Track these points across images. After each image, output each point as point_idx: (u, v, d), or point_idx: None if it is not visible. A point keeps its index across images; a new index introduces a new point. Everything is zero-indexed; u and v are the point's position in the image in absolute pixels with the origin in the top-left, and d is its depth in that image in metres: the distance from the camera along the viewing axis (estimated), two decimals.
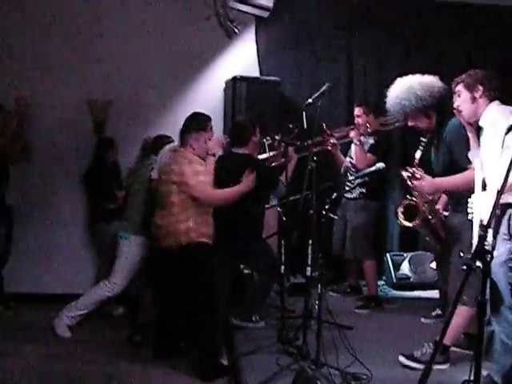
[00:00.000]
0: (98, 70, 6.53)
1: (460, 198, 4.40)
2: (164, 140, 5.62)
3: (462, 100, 4.07)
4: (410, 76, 4.53)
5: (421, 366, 4.34)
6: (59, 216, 6.56)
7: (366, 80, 7.31)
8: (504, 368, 3.80)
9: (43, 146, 6.21)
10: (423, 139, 4.46)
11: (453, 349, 4.62)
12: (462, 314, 4.33)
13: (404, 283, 6.94)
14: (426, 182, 4.36)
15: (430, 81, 4.50)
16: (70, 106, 6.49)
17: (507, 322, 3.75)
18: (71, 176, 6.52)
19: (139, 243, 5.23)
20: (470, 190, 4.00)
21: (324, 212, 4.15)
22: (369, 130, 4.73)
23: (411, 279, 6.91)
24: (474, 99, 4.00)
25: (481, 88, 3.98)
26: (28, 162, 5.54)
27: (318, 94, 4.58)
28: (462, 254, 3.83)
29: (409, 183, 4.39)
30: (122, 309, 5.97)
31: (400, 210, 4.45)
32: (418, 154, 4.39)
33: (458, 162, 4.32)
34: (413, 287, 6.87)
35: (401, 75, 4.56)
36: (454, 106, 4.11)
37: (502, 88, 3.96)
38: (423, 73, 4.48)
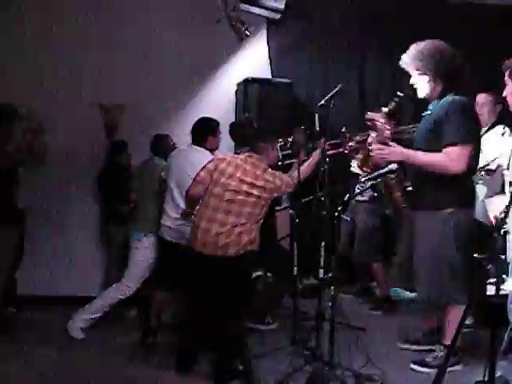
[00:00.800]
0: (111, 75, 6.56)
1: (427, 196, 4.36)
2: (164, 140, 5.64)
3: (508, 89, 3.88)
4: (438, 40, 4.41)
5: (433, 371, 4.29)
6: (72, 218, 6.61)
7: (379, 82, 7.29)
8: None
9: (56, 149, 6.21)
10: (399, 93, 4.38)
11: (412, 347, 4.71)
12: (457, 313, 4.23)
13: None
14: (393, 149, 4.33)
15: (452, 50, 4.37)
16: (83, 110, 6.52)
17: None
18: (84, 179, 6.57)
19: (151, 244, 5.25)
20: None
21: (336, 214, 4.14)
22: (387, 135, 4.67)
23: None
24: None
25: None
26: (43, 165, 5.57)
27: (330, 95, 4.56)
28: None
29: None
30: (134, 311, 5.98)
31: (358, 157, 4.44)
32: (388, 107, 4.39)
33: (440, 138, 4.22)
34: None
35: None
36: (503, 94, 3.93)
37: None
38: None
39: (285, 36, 7.07)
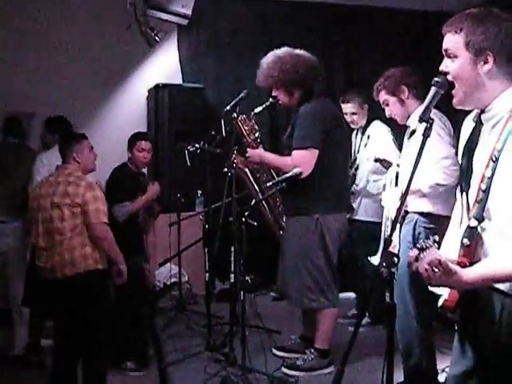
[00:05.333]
0: (21, 82, 6.39)
1: (293, 202, 4.44)
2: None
3: (391, 106, 3.97)
4: (285, 48, 4.51)
5: (303, 374, 4.45)
6: None
7: None
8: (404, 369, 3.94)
9: None
10: (272, 100, 4.49)
11: (286, 355, 4.73)
12: (326, 316, 4.47)
13: None
14: (255, 151, 4.52)
15: (303, 56, 4.45)
16: None
17: (409, 329, 3.83)
18: None
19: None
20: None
21: (244, 219, 4.17)
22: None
23: None
24: (402, 102, 3.91)
25: (405, 88, 3.88)
26: None
27: (235, 101, 4.57)
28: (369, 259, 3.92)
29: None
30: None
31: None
32: (255, 110, 4.52)
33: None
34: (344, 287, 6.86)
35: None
36: (387, 115, 4.03)
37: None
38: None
39: (194, 41, 7.05)
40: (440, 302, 2.41)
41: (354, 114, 5.53)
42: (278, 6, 7.25)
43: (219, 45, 7.10)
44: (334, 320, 4.57)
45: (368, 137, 5.49)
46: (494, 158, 2.22)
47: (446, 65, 2.33)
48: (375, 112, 5.17)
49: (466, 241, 2.27)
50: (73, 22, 6.60)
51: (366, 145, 5.49)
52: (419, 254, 2.15)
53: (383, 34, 7.34)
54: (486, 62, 2.25)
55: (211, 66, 7.11)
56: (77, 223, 3.85)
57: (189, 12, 6.13)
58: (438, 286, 2.29)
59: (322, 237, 4.37)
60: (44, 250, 3.90)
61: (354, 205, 5.46)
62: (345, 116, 5.46)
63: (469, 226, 2.28)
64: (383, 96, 3.98)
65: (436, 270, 2.11)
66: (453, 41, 2.29)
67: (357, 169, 5.51)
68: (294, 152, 4.27)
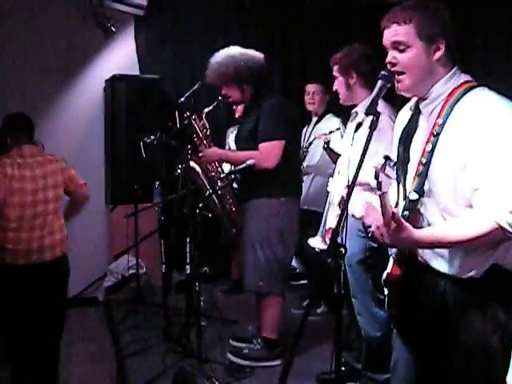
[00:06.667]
0: None
1: (255, 187, 4.48)
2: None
3: (338, 83, 3.98)
4: (236, 47, 4.55)
5: (249, 363, 4.49)
6: None
7: None
8: (365, 354, 3.99)
9: None
10: (221, 98, 4.58)
11: (244, 345, 4.71)
12: (272, 305, 4.51)
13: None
14: (212, 150, 4.61)
15: (252, 53, 4.53)
16: None
17: (369, 312, 3.90)
18: None
19: None
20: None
21: (198, 210, 4.19)
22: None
23: (297, 270, 6.98)
24: (349, 86, 3.93)
25: (354, 75, 3.89)
26: None
27: (189, 92, 4.61)
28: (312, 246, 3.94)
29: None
30: None
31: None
32: (206, 110, 4.66)
33: (256, 134, 4.39)
34: (298, 277, 6.92)
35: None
36: (333, 88, 4.03)
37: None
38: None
39: (151, 32, 6.97)
40: (384, 276, 2.47)
41: (316, 94, 5.70)
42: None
43: (176, 36, 7.04)
44: (280, 309, 4.58)
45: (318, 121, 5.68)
46: (434, 133, 2.27)
47: (394, 56, 2.35)
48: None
49: (406, 213, 2.32)
50: (26, 12, 6.49)
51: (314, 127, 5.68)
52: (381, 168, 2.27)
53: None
54: (437, 50, 2.31)
55: (168, 57, 7.05)
56: (57, 206, 3.91)
57: (144, 2, 6.11)
58: (391, 245, 2.35)
59: (282, 221, 4.43)
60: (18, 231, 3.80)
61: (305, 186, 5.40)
62: (306, 97, 5.70)
63: (409, 199, 2.32)
64: (335, 71, 3.99)
65: (387, 225, 2.16)
66: (402, 32, 2.30)
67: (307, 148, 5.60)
68: (262, 144, 4.32)
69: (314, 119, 5.78)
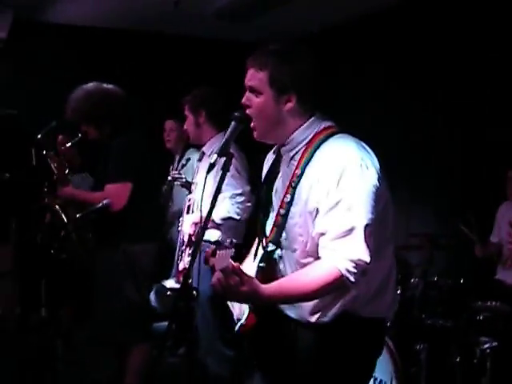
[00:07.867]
0: None
1: (102, 234, 4.32)
2: None
3: (187, 122, 4.06)
4: (96, 83, 4.35)
5: None
6: None
7: None
8: None
9: None
10: (81, 135, 4.34)
11: None
12: (139, 350, 4.30)
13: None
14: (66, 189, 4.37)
15: (112, 90, 4.33)
16: None
17: (218, 353, 3.90)
18: None
19: None
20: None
21: (52, 251, 4.02)
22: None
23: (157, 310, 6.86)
24: (198, 125, 4.01)
25: (203, 113, 3.97)
26: None
27: (45, 130, 4.49)
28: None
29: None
30: None
31: None
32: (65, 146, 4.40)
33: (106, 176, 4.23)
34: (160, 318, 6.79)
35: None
36: (184, 127, 4.10)
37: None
38: None
39: (11, 66, 6.78)
40: (237, 327, 2.44)
41: (172, 131, 5.71)
42: (96, 34, 7.22)
43: (36, 71, 6.87)
44: (146, 354, 4.33)
45: (187, 160, 5.49)
46: (293, 185, 2.28)
47: (249, 98, 2.35)
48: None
49: (262, 264, 2.31)
50: None
51: (183, 166, 5.50)
52: (216, 250, 2.09)
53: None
54: (288, 101, 2.29)
55: (28, 92, 6.86)
56: None
57: (4, 35, 5.93)
58: (235, 298, 2.27)
59: (131, 267, 4.21)
60: None
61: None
62: (164, 135, 5.72)
63: (266, 251, 2.32)
64: (186, 110, 4.08)
65: (230, 279, 2.06)
66: (257, 78, 2.30)
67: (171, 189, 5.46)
68: (108, 186, 4.11)
69: (177, 157, 5.74)
